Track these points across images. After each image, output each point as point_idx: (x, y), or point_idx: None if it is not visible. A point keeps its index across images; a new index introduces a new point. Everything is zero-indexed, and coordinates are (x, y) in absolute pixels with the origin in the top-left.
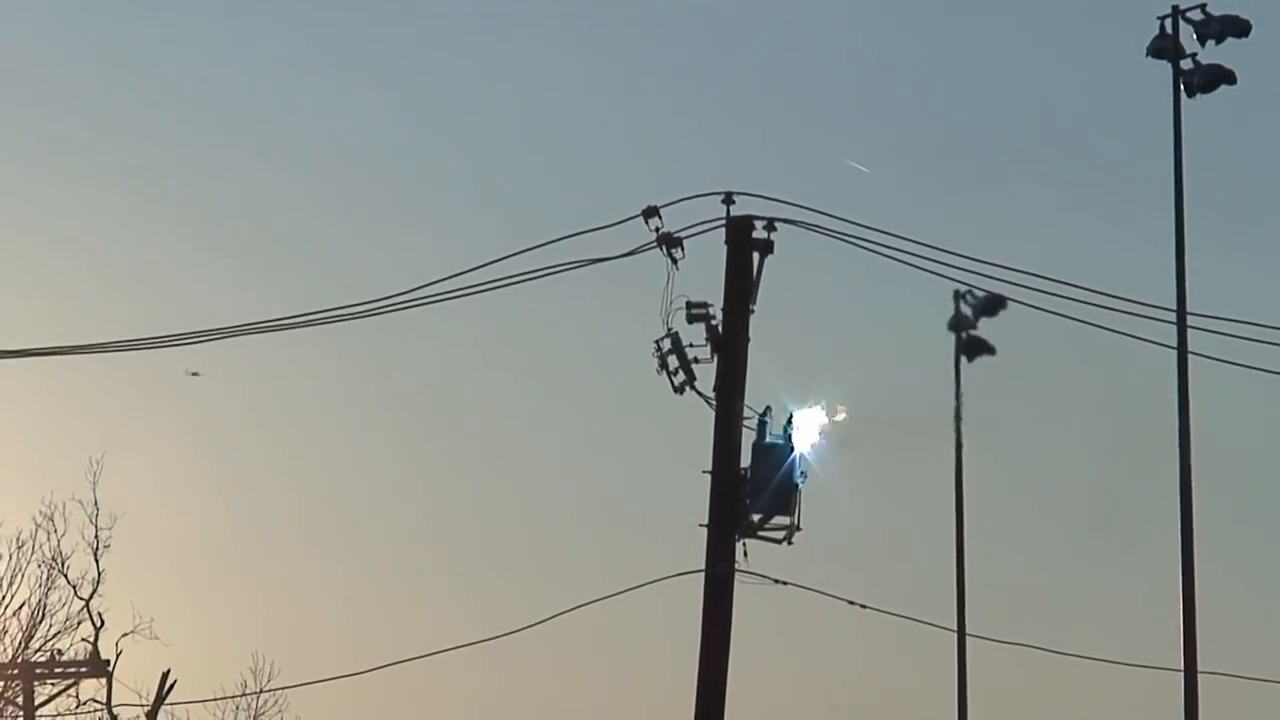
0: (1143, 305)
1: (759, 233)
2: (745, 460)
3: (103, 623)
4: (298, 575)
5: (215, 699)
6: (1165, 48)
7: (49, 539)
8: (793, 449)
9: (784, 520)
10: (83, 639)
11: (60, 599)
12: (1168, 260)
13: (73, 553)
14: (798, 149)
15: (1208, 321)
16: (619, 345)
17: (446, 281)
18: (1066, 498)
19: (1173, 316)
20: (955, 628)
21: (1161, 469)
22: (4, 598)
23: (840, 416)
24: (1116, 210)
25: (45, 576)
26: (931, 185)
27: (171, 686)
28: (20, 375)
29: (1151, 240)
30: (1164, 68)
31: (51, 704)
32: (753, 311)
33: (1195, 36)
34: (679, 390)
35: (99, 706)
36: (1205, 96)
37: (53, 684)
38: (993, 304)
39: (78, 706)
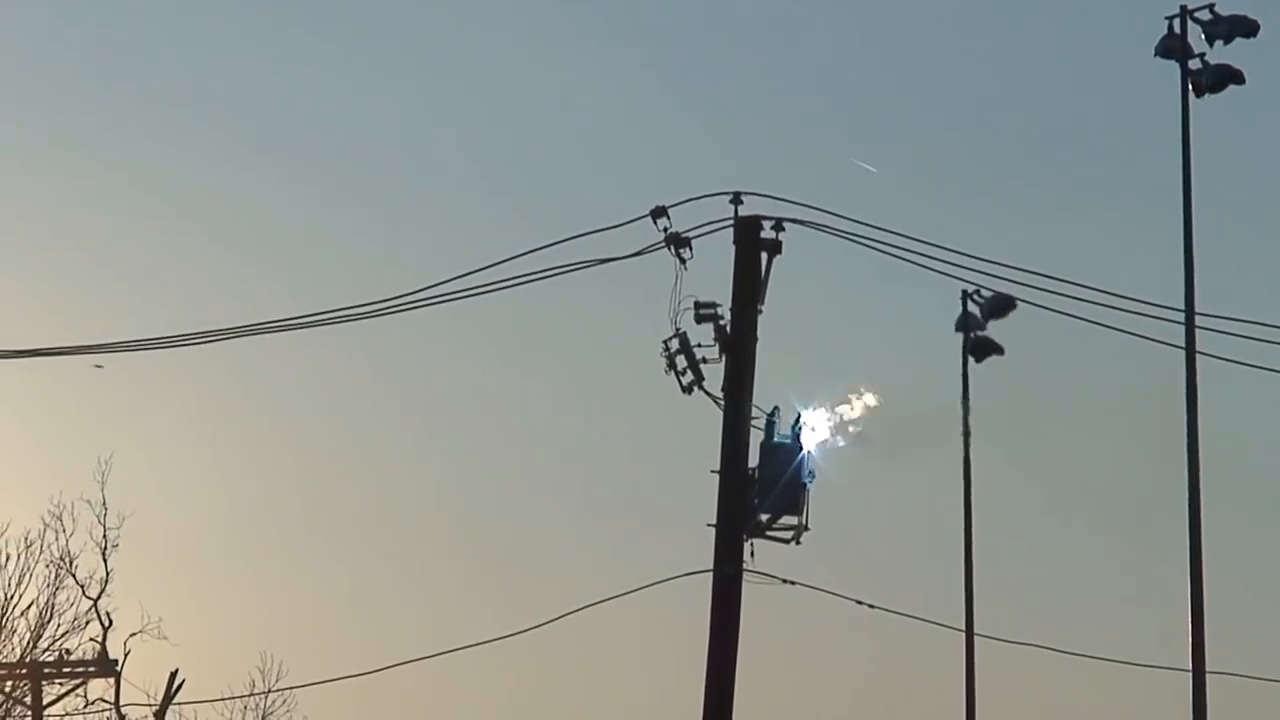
0: (1151, 305)
1: (767, 233)
2: (753, 460)
3: (111, 622)
4: (306, 575)
5: (223, 699)
6: (1173, 48)
7: (57, 539)
8: (801, 448)
9: (792, 520)
10: (91, 639)
11: (68, 598)
12: (1176, 260)
13: (81, 552)
14: (806, 149)
15: (1216, 321)
16: (627, 345)
17: (454, 281)
18: (1075, 498)
19: (1181, 316)
20: (963, 628)
21: (1170, 469)
22: (12, 597)
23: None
24: (1125, 210)
25: (53, 576)
26: (939, 185)
27: (180, 686)
28: (29, 375)
29: (1160, 240)
30: (1172, 68)
31: (60, 704)
32: (761, 311)
33: (1203, 36)
34: (687, 390)
35: (107, 706)
36: (1213, 96)
37: (61, 684)
38: (1001, 304)
39: (86, 706)
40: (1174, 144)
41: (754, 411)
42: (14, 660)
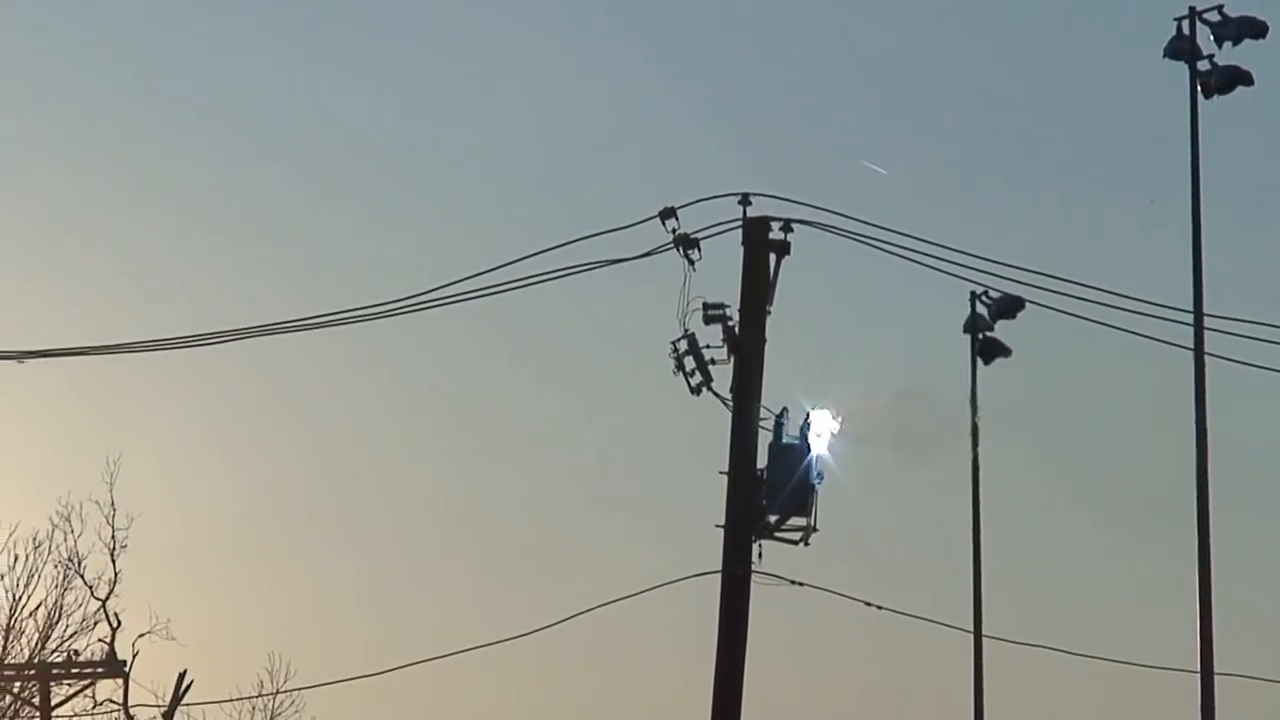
0: (1160, 306)
1: (776, 234)
2: (762, 461)
3: (119, 623)
4: (314, 576)
5: (232, 699)
6: (1182, 49)
7: (66, 539)
8: (809, 450)
9: (800, 521)
10: (99, 639)
11: (77, 599)
12: (1185, 261)
13: (89, 553)
14: (815, 150)
15: (1225, 322)
16: (636, 346)
17: (465, 282)
18: (1083, 499)
19: (1190, 317)
20: (972, 629)
21: (1178, 469)
22: (21, 598)
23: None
24: (1133, 211)
25: (62, 577)
26: (948, 187)
27: (188, 687)
28: (38, 376)
29: (1169, 241)
30: (1181, 69)
31: (68, 704)
32: (769, 312)
33: (1212, 38)
34: (696, 391)
35: (115, 707)
36: (1222, 98)
37: (69, 684)
38: (1010, 305)
39: (94, 707)
40: (1182, 145)
41: (762, 413)
42: (22, 661)
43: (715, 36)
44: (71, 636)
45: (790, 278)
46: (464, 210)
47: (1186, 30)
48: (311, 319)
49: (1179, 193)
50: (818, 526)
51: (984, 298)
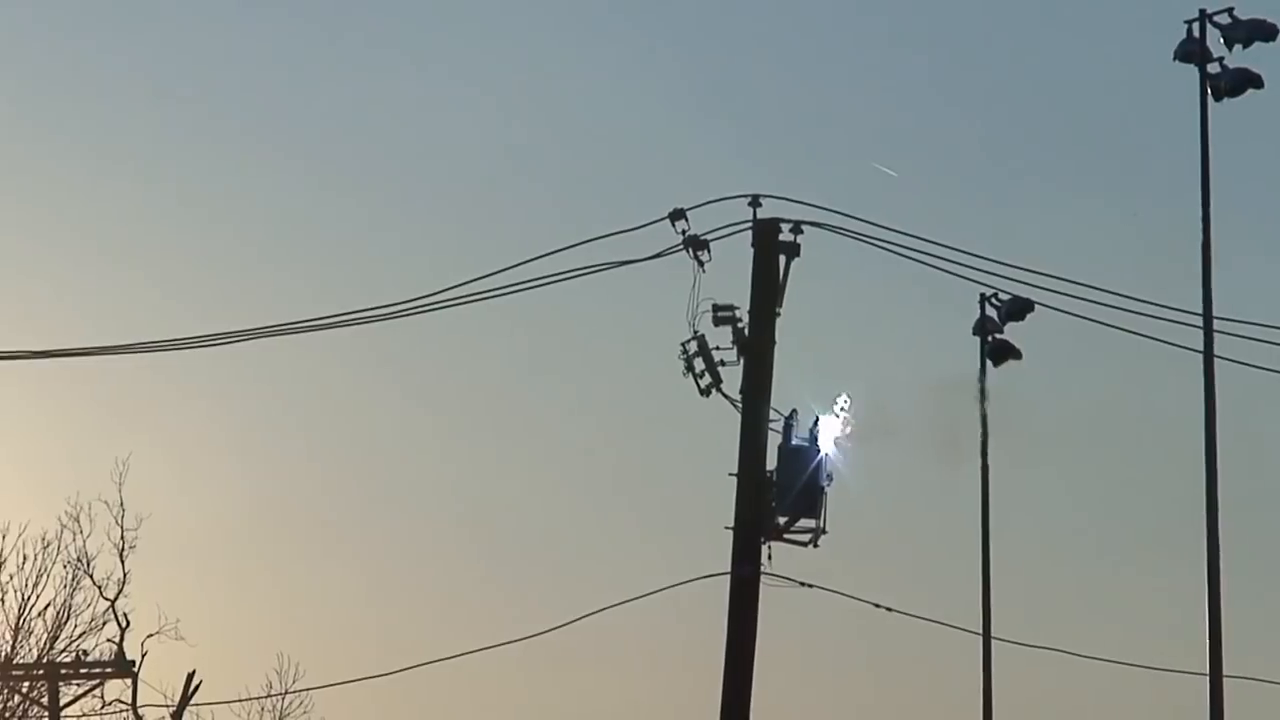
0: (1169, 309)
1: (785, 235)
2: (771, 463)
3: (128, 623)
4: (324, 576)
5: (241, 700)
6: (1192, 52)
7: (75, 539)
8: (819, 451)
9: (810, 523)
10: (108, 639)
11: (86, 599)
12: (1194, 264)
13: (98, 553)
14: (825, 152)
15: (1234, 326)
16: (645, 347)
17: (475, 283)
18: (1092, 501)
19: (1199, 321)
20: (981, 631)
21: (1187, 473)
22: (30, 598)
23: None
24: (1143, 214)
25: (71, 577)
26: (959, 189)
27: (197, 687)
28: (47, 376)
29: (1178, 244)
30: (1191, 72)
31: (77, 704)
32: (779, 314)
33: (1222, 40)
34: (705, 393)
35: (124, 707)
36: (1232, 100)
37: (78, 684)
38: (1019, 308)
39: (103, 707)
40: (1193, 148)
41: (772, 414)
42: (31, 661)
43: (725, 38)
44: (80, 636)
45: (800, 279)
46: (474, 211)
47: (1197, 33)
48: (323, 319)
49: (1189, 195)
50: (827, 528)
51: (994, 300)
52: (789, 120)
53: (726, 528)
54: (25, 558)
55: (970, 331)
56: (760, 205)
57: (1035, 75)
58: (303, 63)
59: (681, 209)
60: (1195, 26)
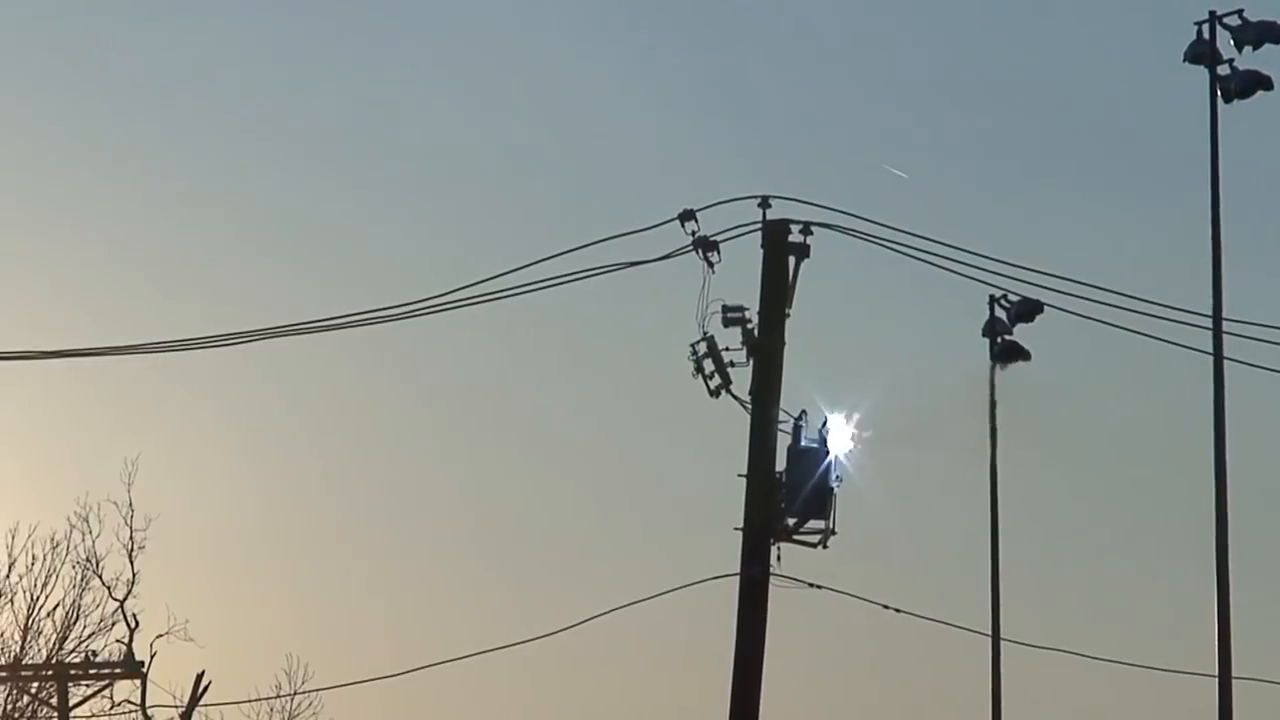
0: (1179, 311)
1: (795, 237)
2: (781, 464)
3: (137, 624)
4: (333, 577)
5: (250, 700)
6: (1202, 53)
7: (84, 540)
8: (828, 453)
9: (819, 524)
10: (117, 640)
11: (95, 600)
12: (1204, 266)
13: (107, 554)
14: (835, 153)
15: (1244, 327)
16: (655, 348)
17: (484, 284)
18: (1101, 502)
19: (1209, 322)
20: (990, 632)
21: (1196, 474)
22: (39, 598)
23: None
24: (1153, 216)
25: (80, 578)
26: (968, 190)
27: (206, 688)
28: (55, 376)
29: (1188, 245)
30: (1201, 73)
31: (86, 705)
32: (788, 315)
33: (1232, 42)
34: (715, 394)
35: (133, 708)
36: (1242, 102)
37: (87, 685)
38: (1029, 309)
39: (112, 708)
40: (1203, 149)
41: (781, 415)
42: (40, 662)
43: (735, 39)
44: (89, 637)
45: (809, 280)
46: (484, 212)
47: (1206, 35)
48: (331, 319)
49: (1199, 197)
50: (836, 529)
51: (1003, 301)
52: (799, 121)
53: (736, 529)
54: (34, 558)
55: (980, 333)
56: (770, 206)
57: (1045, 77)
58: (314, 64)
59: (691, 210)
60: (1205, 28)
